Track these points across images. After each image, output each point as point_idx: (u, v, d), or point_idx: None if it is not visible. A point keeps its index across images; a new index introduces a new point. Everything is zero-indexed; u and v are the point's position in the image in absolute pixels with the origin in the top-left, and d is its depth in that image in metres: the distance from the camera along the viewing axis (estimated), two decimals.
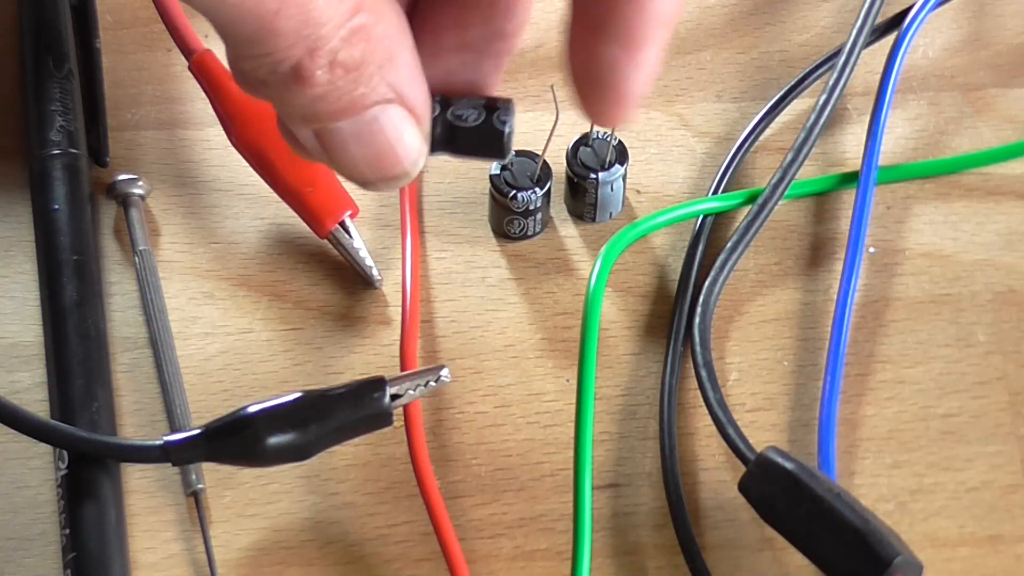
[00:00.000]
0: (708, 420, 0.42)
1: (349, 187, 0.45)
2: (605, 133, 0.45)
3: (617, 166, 0.45)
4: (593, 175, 0.45)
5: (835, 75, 0.47)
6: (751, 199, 0.46)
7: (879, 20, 0.49)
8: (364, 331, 0.44)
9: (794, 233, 0.46)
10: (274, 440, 0.38)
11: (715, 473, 0.42)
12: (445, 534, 0.40)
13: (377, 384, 0.39)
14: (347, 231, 0.45)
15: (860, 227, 0.45)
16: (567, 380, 0.44)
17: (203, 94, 0.46)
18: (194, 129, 0.48)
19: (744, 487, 0.39)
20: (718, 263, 0.44)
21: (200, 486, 0.41)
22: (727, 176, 0.47)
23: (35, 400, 0.43)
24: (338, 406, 0.39)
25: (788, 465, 0.39)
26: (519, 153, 0.45)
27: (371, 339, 0.44)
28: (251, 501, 0.42)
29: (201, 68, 0.46)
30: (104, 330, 0.44)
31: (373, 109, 0.30)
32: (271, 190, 0.45)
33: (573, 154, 0.46)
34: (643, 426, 0.43)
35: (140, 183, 0.46)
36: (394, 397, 0.40)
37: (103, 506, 0.40)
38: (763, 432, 0.43)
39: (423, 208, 0.47)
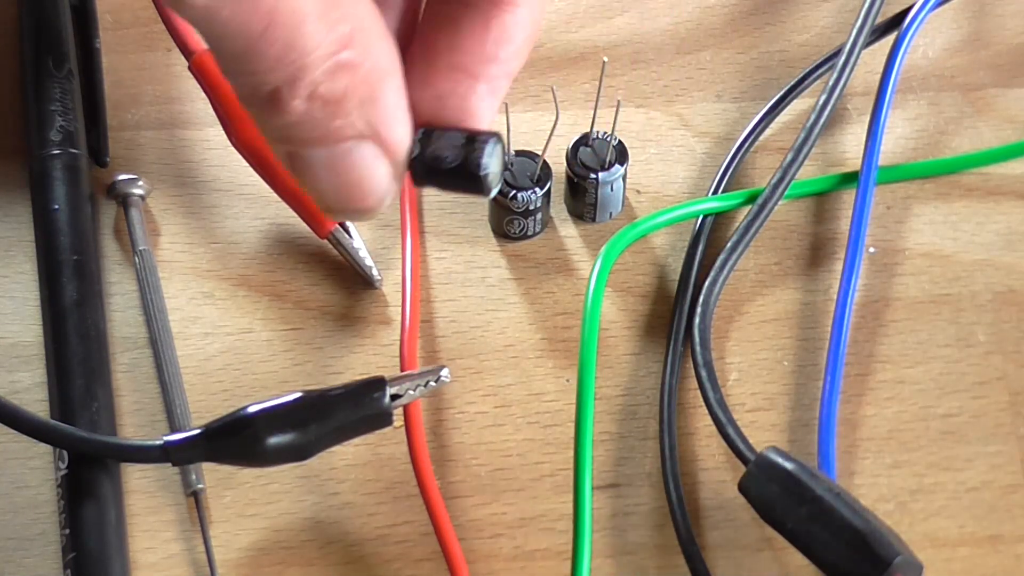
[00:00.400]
0: (708, 420, 0.42)
1: None
2: (605, 133, 0.45)
3: (617, 166, 0.45)
4: (593, 175, 0.45)
5: (835, 75, 0.47)
6: (751, 199, 0.46)
7: (879, 20, 0.49)
8: (364, 331, 0.44)
9: (794, 233, 0.46)
10: (274, 440, 0.38)
11: (715, 473, 0.42)
12: (445, 534, 0.40)
13: (377, 384, 0.39)
14: (347, 231, 0.45)
15: (860, 227, 0.45)
16: (567, 380, 0.44)
17: (203, 94, 0.46)
18: (194, 129, 0.48)
19: (744, 487, 0.39)
20: (718, 263, 0.44)
21: (200, 486, 0.41)
22: (727, 176, 0.47)
23: (35, 400, 0.43)
24: (338, 406, 0.39)
25: (788, 465, 0.39)
26: (519, 153, 0.45)
27: (371, 339, 0.44)
28: (251, 501, 0.42)
29: (201, 68, 0.46)
30: (104, 330, 0.44)
31: (347, 143, 0.30)
32: (271, 190, 0.45)
33: (573, 154, 0.46)
34: (643, 426, 0.43)
35: (140, 183, 0.46)
36: (394, 397, 0.40)
37: (103, 506, 0.40)
38: (763, 432, 0.43)
39: (423, 208, 0.47)
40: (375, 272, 0.45)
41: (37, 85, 0.47)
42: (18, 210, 0.46)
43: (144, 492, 0.42)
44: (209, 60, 0.46)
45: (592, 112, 0.45)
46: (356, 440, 0.40)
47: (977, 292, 0.45)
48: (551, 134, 0.44)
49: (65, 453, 0.41)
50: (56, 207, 0.45)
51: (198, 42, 0.46)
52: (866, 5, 0.48)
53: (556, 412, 0.43)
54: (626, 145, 0.46)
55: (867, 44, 0.48)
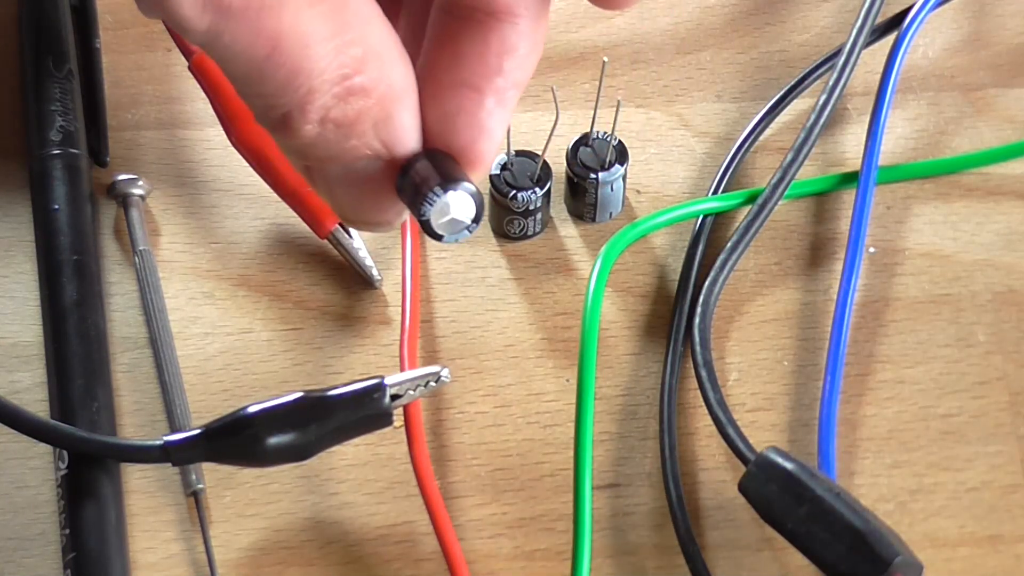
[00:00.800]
0: (708, 420, 0.42)
1: None
2: (605, 133, 0.45)
3: (617, 166, 0.45)
4: (593, 175, 0.45)
5: (835, 75, 0.47)
6: (751, 199, 0.46)
7: (879, 20, 0.49)
8: (364, 331, 0.44)
9: (794, 233, 0.46)
10: (274, 440, 0.38)
11: (715, 473, 0.42)
12: (445, 534, 0.40)
13: (377, 385, 0.39)
14: (347, 231, 0.45)
15: (860, 227, 0.45)
16: (567, 380, 0.44)
17: (203, 94, 0.46)
18: (194, 129, 0.48)
19: (744, 487, 0.39)
20: (718, 263, 0.44)
21: (200, 486, 0.41)
22: (727, 176, 0.47)
23: (35, 400, 0.43)
24: (338, 406, 0.39)
25: (788, 465, 0.39)
26: (519, 153, 0.45)
27: (371, 339, 0.44)
28: (251, 501, 0.42)
29: (201, 68, 0.46)
30: (104, 330, 0.44)
31: (361, 160, 0.30)
32: (271, 190, 0.45)
33: (573, 154, 0.46)
34: (643, 426, 0.43)
35: (140, 183, 0.46)
36: (394, 397, 0.40)
37: (103, 506, 0.40)
38: (763, 432, 0.43)
39: None
40: (375, 272, 0.45)
41: (37, 85, 0.47)
42: (18, 210, 0.46)
43: (144, 492, 0.42)
44: (209, 60, 0.46)
45: (592, 112, 0.45)
46: (356, 440, 0.40)
47: (977, 292, 0.45)
48: (551, 134, 0.44)
49: (65, 453, 0.41)
50: (56, 207, 0.45)
51: None
52: (866, 5, 0.48)
53: (556, 412, 0.43)
54: (626, 145, 0.46)
55: (867, 44, 0.48)
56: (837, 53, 0.48)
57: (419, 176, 0.30)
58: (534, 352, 0.44)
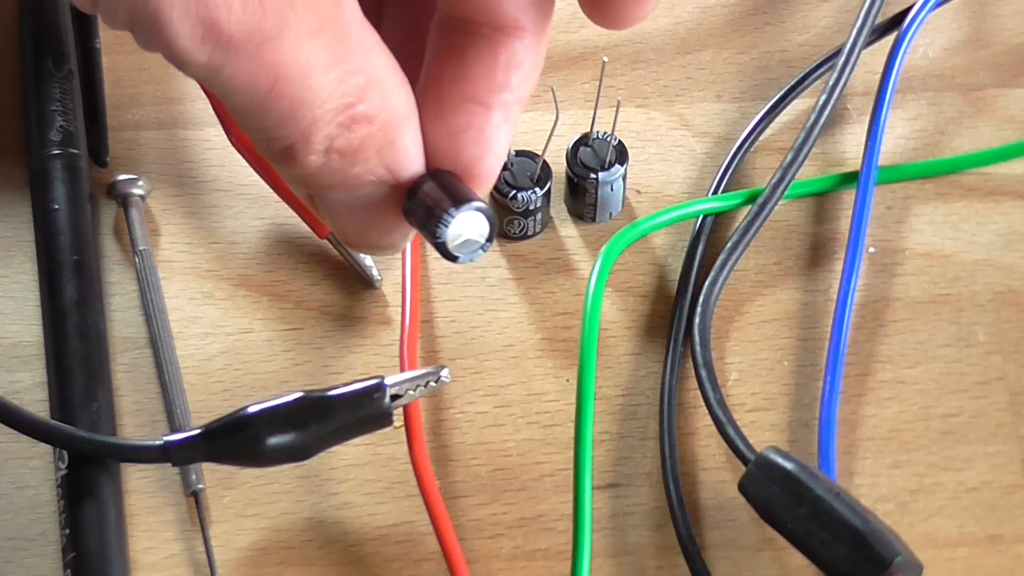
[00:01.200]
0: (708, 420, 0.42)
1: None
2: (605, 133, 0.45)
3: (617, 166, 0.45)
4: (593, 175, 0.45)
5: (835, 75, 0.47)
6: (751, 199, 0.46)
7: (879, 20, 0.49)
8: (364, 331, 0.44)
9: (794, 233, 0.46)
10: (274, 440, 0.38)
11: (715, 473, 0.42)
12: (445, 534, 0.40)
13: (377, 385, 0.39)
14: None
15: (860, 227, 0.45)
16: (567, 380, 0.44)
17: (203, 94, 0.46)
18: (194, 129, 0.48)
19: (744, 487, 0.39)
20: (718, 263, 0.44)
21: (200, 486, 0.41)
22: (727, 176, 0.47)
23: (35, 400, 0.43)
24: (338, 407, 0.39)
25: (788, 465, 0.39)
26: (519, 153, 0.45)
27: (371, 339, 0.44)
28: (251, 501, 0.42)
29: None
30: (104, 330, 0.44)
31: (366, 187, 0.30)
32: (271, 190, 0.45)
33: (573, 154, 0.46)
34: (643, 426, 0.43)
35: (140, 183, 0.46)
36: (394, 398, 0.40)
37: (103, 506, 0.40)
38: (763, 432, 0.43)
39: None
40: (375, 272, 0.45)
41: (37, 85, 0.47)
42: (18, 210, 0.46)
43: (144, 492, 0.42)
44: None
45: (592, 112, 0.45)
46: (356, 440, 0.40)
47: (977, 292, 0.45)
48: (551, 134, 0.44)
49: (65, 453, 0.41)
50: (56, 207, 0.45)
51: None
52: (866, 5, 0.48)
53: (556, 412, 0.43)
54: (626, 145, 0.46)
55: (867, 44, 0.48)
56: (837, 53, 0.48)
57: (429, 198, 0.30)
58: (534, 352, 0.44)
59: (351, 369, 0.44)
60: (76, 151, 0.46)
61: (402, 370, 0.42)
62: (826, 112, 0.47)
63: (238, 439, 0.39)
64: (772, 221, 0.46)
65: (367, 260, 0.45)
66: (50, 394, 0.43)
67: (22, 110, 0.47)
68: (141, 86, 0.49)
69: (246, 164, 0.46)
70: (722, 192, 0.47)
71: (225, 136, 0.46)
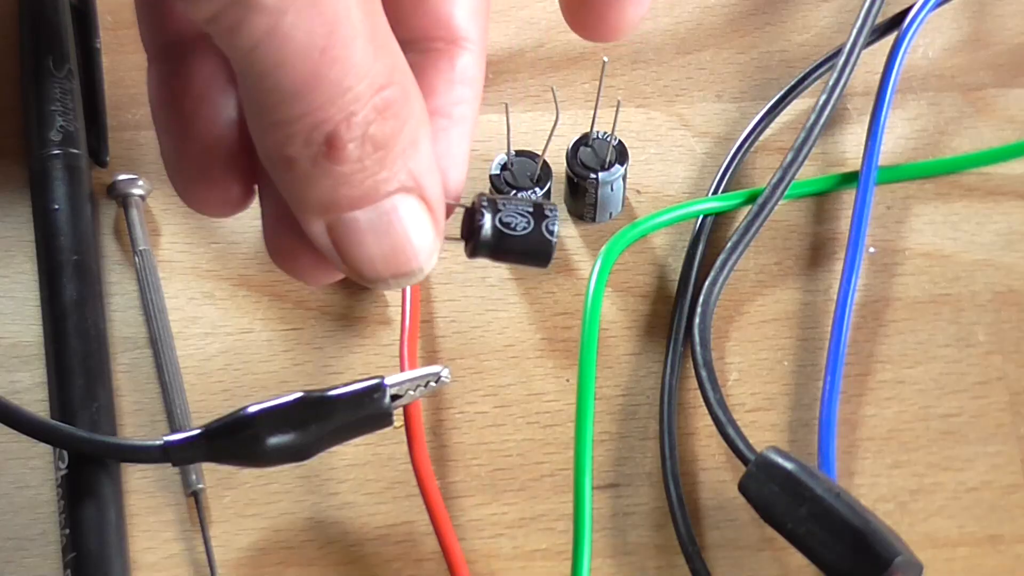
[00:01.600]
0: (708, 420, 0.42)
1: None
2: (605, 133, 0.45)
3: (617, 166, 0.45)
4: (593, 175, 0.45)
5: (835, 75, 0.47)
6: (751, 199, 0.46)
7: (879, 20, 0.49)
8: (364, 331, 0.44)
9: (794, 233, 0.46)
10: (274, 440, 0.38)
11: (715, 473, 0.42)
12: (445, 534, 0.40)
13: (377, 385, 0.39)
14: None
15: (860, 227, 0.45)
16: (567, 380, 0.44)
17: None
18: None
19: (744, 487, 0.39)
20: (718, 263, 0.44)
21: (200, 486, 0.41)
22: (727, 176, 0.47)
23: (35, 400, 0.43)
24: (338, 407, 0.39)
25: (788, 465, 0.39)
26: (519, 153, 0.45)
27: (371, 339, 0.44)
28: (251, 501, 0.42)
29: None
30: (104, 330, 0.44)
31: (392, 198, 0.29)
32: None
33: (573, 154, 0.46)
34: (643, 426, 0.43)
35: (140, 183, 0.46)
36: (394, 398, 0.39)
37: (103, 506, 0.40)
38: (763, 432, 0.43)
39: None
40: None
41: (37, 85, 0.47)
42: (18, 210, 0.46)
43: (144, 492, 0.42)
44: None
45: (592, 112, 0.45)
46: (356, 440, 0.40)
47: (977, 292, 0.45)
48: (551, 134, 0.44)
49: (65, 453, 0.41)
50: (56, 207, 0.45)
51: None
52: (866, 5, 0.48)
53: (556, 412, 0.43)
54: (626, 145, 0.46)
55: (867, 44, 0.48)
56: (837, 53, 0.48)
57: (517, 206, 0.31)
58: (534, 352, 0.44)
59: (351, 369, 0.44)
60: (76, 151, 0.46)
61: (402, 370, 0.42)
62: (826, 112, 0.47)
63: (238, 439, 0.39)
64: (772, 221, 0.46)
65: None
66: (50, 394, 0.43)
67: (22, 110, 0.47)
68: (141, 86, 0.49)
69: None
70: (722, 192, 0.47)
71: None
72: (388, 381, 0.39)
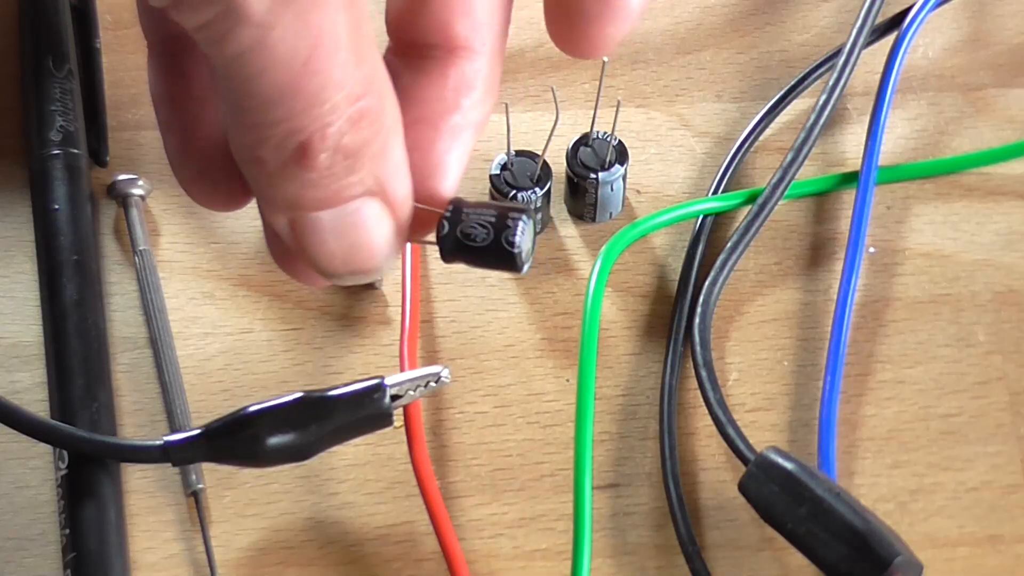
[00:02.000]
0: (708, 420, 0.42)
1: None
2: (605, 133, 0.45)
3: (617, 166, 0.45)
4: (593, 175, 0.45)
5: (835, 75, 0.47)
6: (751, 199, 0.46)
7: (879, 20, 0.49)
8: (364, 331, 0.44)
9: (794, 233, 0.46)
10: (274, 440, 0.38)
11: (715, 473, 0.42)
12: (445, 534, 0.40)
13: (377, 385, 0.39)
14: None
15: (860, 227, 0.45)
16: (567, 380, 0.44)
17: None
18: None
19: (744, 487, 0.39)
20: (718, 263, 0.44)
21: (200, 486, 0.41)
22: (727, 176, 0.47)
23: (35, 400, 0.43)
24: (338, 407, 0.39)
25: (788, 465, 0.39)
26: (519, 153, 0.45)
27: (371, 339, 0.44)
28: (251, 501, 0.42)
29: None
30: (104, 330, 0.44)
31: (356, 201, 0.30)
32: None
33: (573, 154, 0.46)
34: (643, 426, 0.43)
35: (140, 183, 0.46)
36: (394, 398, 0.39)
37: (103, 506, 0.40)
38: (763, 432, 0.43)
39: None
40: None
41: (37, 85, 0.47)
42: (18, 210, 0.46)
43: (144, 492, 0.42)
44: None
45: (592, 112, 0.45)
46: (356, 440, 0.40)
47: (977, 292, 0.45)
48: (551, 134, 0.44)
49: (65, 453, 0.41)
50: (56, 207, 0.45)
51: None
52: (866, 5, 0.48)
53: (556, 412, 0.43)
54: (626, 145, 0.46)
55: (867, 44, 0.48)
56: (837, 53, 0.48)
57: (481, 215, 0.30)
58: (534, 352, 0.44)
59: (351, 369, 0.44)
60: (76, 151, 0.46)
61: (402, 370, 0.42)
62: (826, 112, 0.47)
63: (238, 439, 0.39)
64: (772, 221, 0.46)
65: None
66: (50, 394, 0.43)
67: (22, 110, 0.47)
68: (141, 86, 0.49)
69: None
70: (722, 192, 0.47)
71: None
72: (388, 381, 0.39)
